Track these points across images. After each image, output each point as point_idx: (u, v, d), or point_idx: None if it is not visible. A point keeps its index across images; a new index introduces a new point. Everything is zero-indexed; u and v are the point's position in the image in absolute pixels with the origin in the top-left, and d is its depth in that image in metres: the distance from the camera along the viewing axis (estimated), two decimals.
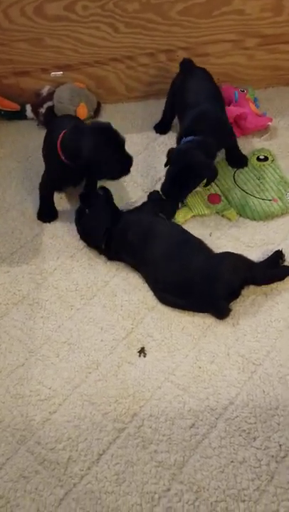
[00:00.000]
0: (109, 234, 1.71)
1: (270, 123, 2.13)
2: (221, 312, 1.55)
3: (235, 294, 1.57)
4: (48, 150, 1.82)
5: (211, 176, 1.79)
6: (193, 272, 1.55)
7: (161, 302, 1.62)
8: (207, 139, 1.78)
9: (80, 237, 1.80)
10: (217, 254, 1.64)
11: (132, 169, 1.74)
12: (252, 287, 1.61)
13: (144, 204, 1.85)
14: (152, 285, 1.65)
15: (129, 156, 1.71)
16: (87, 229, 1.77)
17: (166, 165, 1.82)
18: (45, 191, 1.90)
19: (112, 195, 1.82)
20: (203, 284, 1.54)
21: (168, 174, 1.80)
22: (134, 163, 1.75)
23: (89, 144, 1.63)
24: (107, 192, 1.81)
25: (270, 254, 1.66)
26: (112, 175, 1.75)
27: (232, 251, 1.68)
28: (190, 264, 1.57)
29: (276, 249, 1.70)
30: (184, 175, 1.76)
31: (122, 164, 1.72)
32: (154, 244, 1.63)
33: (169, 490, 1.25)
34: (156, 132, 2.21)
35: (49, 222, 1.91)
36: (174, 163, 1.78)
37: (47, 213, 1.92)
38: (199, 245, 1.66)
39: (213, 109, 1.88)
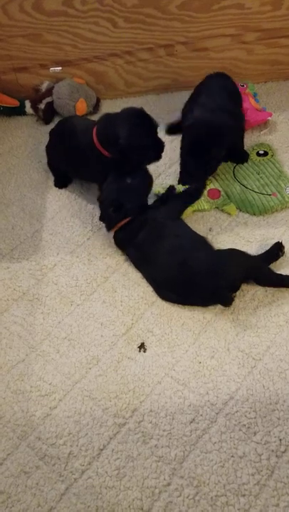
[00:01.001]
0: (127, 222, 1.68)
1: (269, 118, 2.12)
2: (226, 301, 1.54)
3: (236, 288, 1.57)
4: (88, 155, 1.76)
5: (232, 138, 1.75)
6: (196, 267, 1.55)
7: (161, 299, 1.62)
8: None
9: (104, 202, 1.70)
10: (222, 250, 1.64)
11: None
12: (252, 282, 1.61)
13: (171, 199, 1.79)
14: (153, 282, 1.65)
15: (161, 141, 1.70)
16: (123, 196, 1.67)
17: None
18: None
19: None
20: (206, 278, 1.53)
21: (184, 149, 1.76)
22: None
23: (124, 129, 1.64)
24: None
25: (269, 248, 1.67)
26: (145, 160, 1.73)
27: (231, 246, 1.68)
28: (193, 260, 1.56)
29: None
30: (205, 139, 1.68)
31: (156, 150, 1.70)
32: (161, 245, 1.62)
33: (169, 485, 1.25)
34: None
35: None
36: (188, 131, 1.73)
37: None
38: (204, 243, 1.65)
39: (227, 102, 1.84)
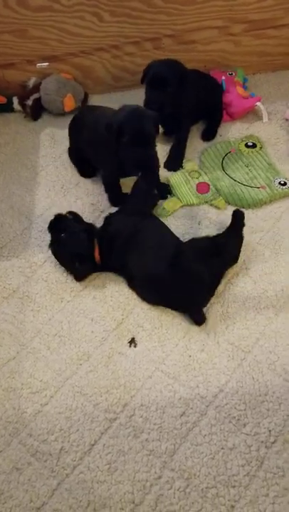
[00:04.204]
0: (100, 248, 1.64)
1: (258, 103, 2.12)
2: (198, 319, 1.54)
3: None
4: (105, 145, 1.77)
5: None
6: (169, 274, 1.52)
7: (144, 301, 1.61)
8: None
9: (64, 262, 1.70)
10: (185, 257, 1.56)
11: None
12: (242, 275, 1.62)
13: (127, 203, 1.78)
14: (134, 286, 1.64)
15: (142, 152, 1.66)
16: (69, 251, 1.65)
17: (142, 81, 1.94)
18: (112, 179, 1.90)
19: (79, 216, 1.76)
20: (180, 287, 1.52)
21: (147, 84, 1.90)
22: None
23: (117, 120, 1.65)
24: (74, 214, 1.76)
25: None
26: (127, 171, 1.74)
27: None
28: (167, 267, 1.53)
29: (265, 236, 1.72)
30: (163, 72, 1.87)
31: (135, 160, 1.68)
32: (138, 249, 1.59)
33: (160, 477, 1.27)
34: None
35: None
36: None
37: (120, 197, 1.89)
38: (176, 247, 1.61)
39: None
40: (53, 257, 1.74)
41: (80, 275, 1.68)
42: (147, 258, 1.57)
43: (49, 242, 1.70)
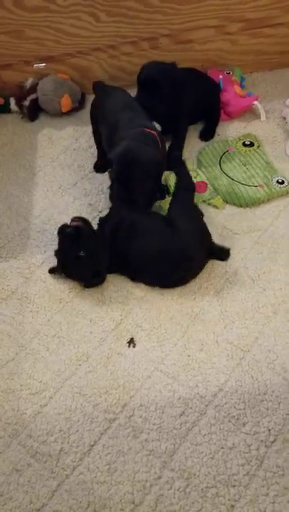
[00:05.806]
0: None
1: (255, 102, 2.11)
2: (222, 255, 1.63)
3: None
4: None
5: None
6: (172, 252, 1.57)
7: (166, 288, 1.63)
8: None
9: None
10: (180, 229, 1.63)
11: None
12: (240, 274, 1.62)
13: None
14: (150, 282, 1.65)
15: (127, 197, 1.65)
16: (89, 270, 1.63)
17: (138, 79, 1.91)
18: None
19: (88, 222, 1.68)
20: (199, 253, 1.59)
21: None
22: None
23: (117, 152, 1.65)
24: (84, 221, 1.67)
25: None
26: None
27: (219, 238, 1.71)
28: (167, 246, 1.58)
29: (263, 235, 1.71)
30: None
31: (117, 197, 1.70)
32: (138, 246, 1.61)
33: (160, 478, 1.26)
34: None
35: None
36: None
37: None
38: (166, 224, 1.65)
39: None
40: (50, 258, 1.74)
41: (92, 286, 1.67)
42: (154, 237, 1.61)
43: (56, 248, 1.67)
